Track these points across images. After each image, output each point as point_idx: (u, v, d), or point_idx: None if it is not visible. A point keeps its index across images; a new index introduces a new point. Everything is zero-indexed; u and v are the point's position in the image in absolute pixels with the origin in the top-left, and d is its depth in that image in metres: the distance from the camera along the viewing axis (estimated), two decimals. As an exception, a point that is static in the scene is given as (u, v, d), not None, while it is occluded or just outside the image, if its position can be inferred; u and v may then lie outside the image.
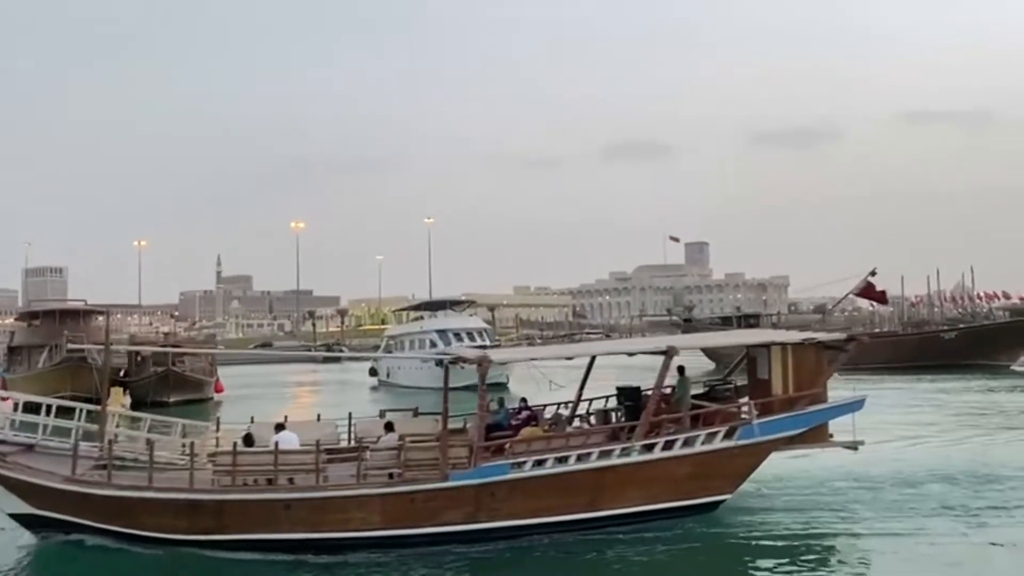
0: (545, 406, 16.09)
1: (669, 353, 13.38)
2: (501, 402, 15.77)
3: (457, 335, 42.75)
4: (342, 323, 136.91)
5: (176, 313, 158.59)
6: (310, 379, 61.71)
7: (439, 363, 39.61)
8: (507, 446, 13.03)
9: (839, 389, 37.39)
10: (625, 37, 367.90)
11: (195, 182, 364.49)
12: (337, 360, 70.26)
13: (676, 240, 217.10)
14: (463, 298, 55.49)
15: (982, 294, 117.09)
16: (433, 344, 42.75)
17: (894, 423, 23.35)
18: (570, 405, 16.11)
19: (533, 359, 17.95)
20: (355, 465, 12.53)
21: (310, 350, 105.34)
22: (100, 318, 38.78)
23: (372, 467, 12.77)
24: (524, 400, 16.08)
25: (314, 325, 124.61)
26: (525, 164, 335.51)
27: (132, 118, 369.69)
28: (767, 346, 14.57)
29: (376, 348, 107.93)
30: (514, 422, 14.68)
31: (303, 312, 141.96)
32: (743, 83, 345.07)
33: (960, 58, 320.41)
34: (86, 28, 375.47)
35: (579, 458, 12.71)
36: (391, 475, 12.66)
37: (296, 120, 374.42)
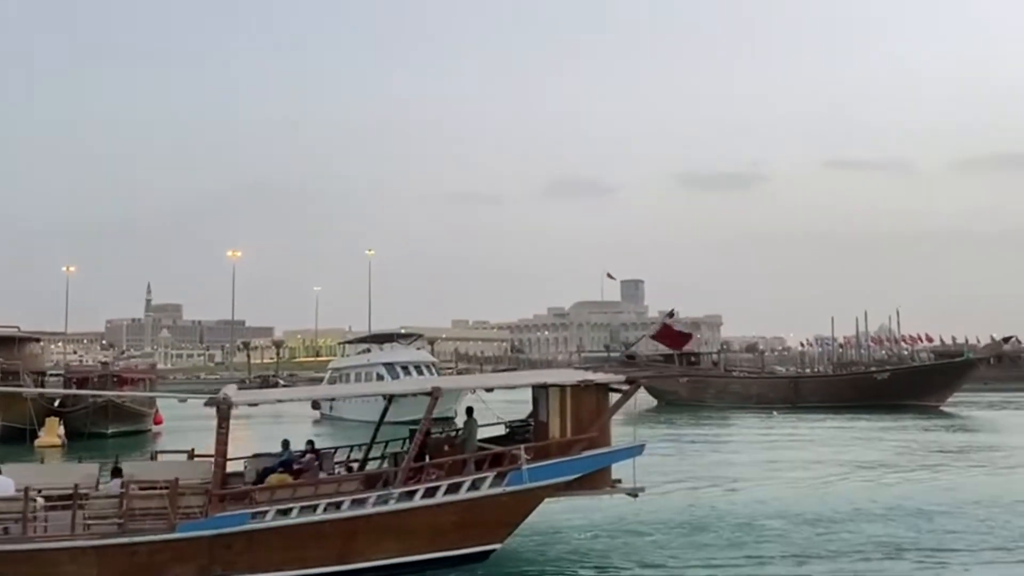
0: (336, 448, 15.40)
1: (434, 394, 12.78)
2: (285, 444, 14.89)
3: (404, 368, 42.51)
4: (278, 354, 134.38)
5: (104, 341, 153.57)
6: (247, 411, 60.22)
7: (386, 396, 39.72)
8: (251, 494, 12.19)
9: (781, 427, 38.34)
10: (568, 76, 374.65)
11: (124, 208, 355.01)
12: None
13: (612, 277, 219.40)
14: (412, 332, 55.14)
15: (907, 336, 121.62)
16: (380, 377, 42.42)
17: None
18: (364, 448, 15.39)
19: (279, 400, 17.82)
20: (81, 513, 11.36)
21: (244, 382, 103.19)
22: (34, 345, 37.39)
23: (94, 516, 11.56)
24: (311, 442, 15.16)
25: (248, 356, 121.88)
26: (465, 199, 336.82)
27: (56, 139, 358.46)
28: (545, 387, 13.88)
29: (313, 380, 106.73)
30: (296, 466, 13.80)
31: (237, 343, 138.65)
32: (678, 127, 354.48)
33: (883, 107, 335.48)
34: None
35: (329, 507, 11.88)
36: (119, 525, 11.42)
37: (232, 148, 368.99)
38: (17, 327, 36.82)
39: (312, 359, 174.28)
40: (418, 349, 47.37)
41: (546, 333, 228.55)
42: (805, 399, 48.99)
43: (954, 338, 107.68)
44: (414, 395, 14.76)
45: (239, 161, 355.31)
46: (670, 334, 20.88)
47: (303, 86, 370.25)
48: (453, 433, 14.49)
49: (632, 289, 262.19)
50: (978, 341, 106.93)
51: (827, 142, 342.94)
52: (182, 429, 40.46)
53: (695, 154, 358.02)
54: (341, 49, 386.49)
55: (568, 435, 13.15)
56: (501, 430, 15.54)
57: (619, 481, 13.43)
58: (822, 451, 28.17)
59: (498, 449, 13.41)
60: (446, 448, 13.44)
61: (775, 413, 44.60)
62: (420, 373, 42.43)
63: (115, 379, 35.92)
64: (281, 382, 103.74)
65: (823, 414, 43.45)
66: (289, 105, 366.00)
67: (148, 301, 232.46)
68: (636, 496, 13.48)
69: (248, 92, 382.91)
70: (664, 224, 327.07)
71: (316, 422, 46.94)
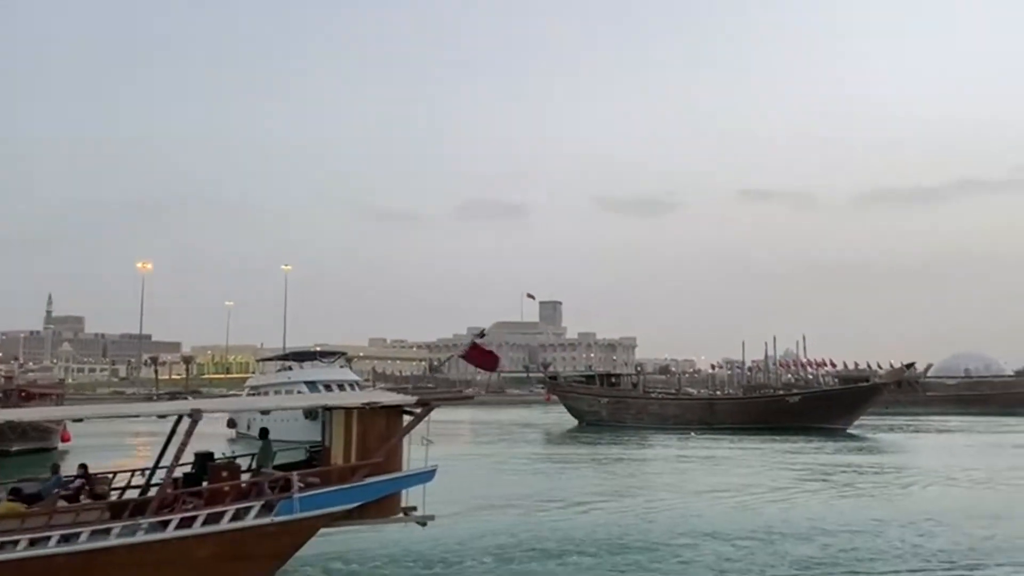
0: (115, 473, 13.97)
1: (194, 416, 11.92)
2: (55, 468, 13.50)
3: (327, 387, 41.74)
4: (187, 370, 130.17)
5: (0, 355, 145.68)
6: (162, 428, 58.24)
7: (308, 414, 39.05)
8: None
9: (697, 448, 39.08)
10: (483, 96, 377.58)
11: (23, 219, 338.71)
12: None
13: (532, 298, 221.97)
14: (333, 350, 54.23)
15: (812, 361, 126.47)
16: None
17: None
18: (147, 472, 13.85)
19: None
20: None
21: (151, 398, 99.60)
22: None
23: None
24: (84, 466, 13.66)
25: (156, 372, 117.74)
26: (381, 216, 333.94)
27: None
28: (329, 410, 13.18)
29: (225, 397, 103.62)
30: (64, 492, 12.54)
31: (145, 358, 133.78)
32: (594, 151, 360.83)
33: (789, 140, 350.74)
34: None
35: (64, 539, 10.68)
36: None
37: (142, 159, 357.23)
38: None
39: (222, 376, 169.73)
40: (340, 367, 46.58)
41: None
42: (720, 421, 50.35)
43: (856, 363, 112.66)
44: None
45: (147, 172, 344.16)
46: (478, 355, 18.85)
47: (220, 100, 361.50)
48: (237, 457, 13.38)
49: (550, 310, 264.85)
50: (879, 366, 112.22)
51: (739, 172, 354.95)
52: (92, 447, 38.87)
53: (612, 179, 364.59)
54: (259, 63, 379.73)
55: (352, 460, 12.33)
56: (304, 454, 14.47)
57: (413, 509, 12.70)
58: (736, 472, 28.87)
59: (279, 475, 12.37)
60: (224, 474, 12.23)
61: (693, 434, 45.69)
62: (343, 391, 41.79)
63: (20, 394, 34.21)
64: (189, 399, 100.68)
65: (737, 436, 44.77)
66: (204, 118, 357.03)
67: (48, 313, 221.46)
68: (425, 525, 12.78)
69: (164, 103, 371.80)
70: (582, 247, 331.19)
71: (232, 441, 45.71)
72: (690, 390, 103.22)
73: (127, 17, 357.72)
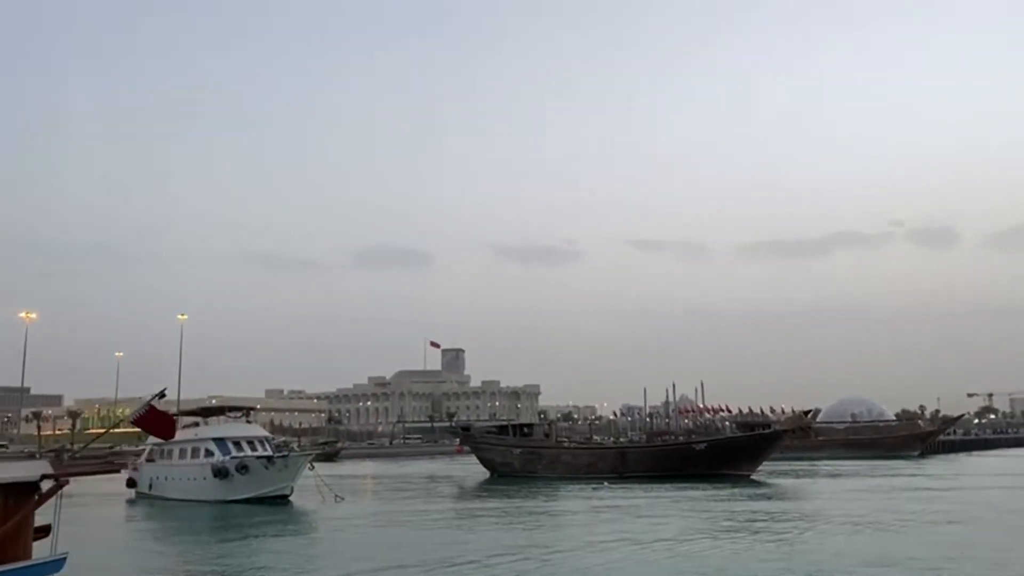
0: None
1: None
2: None
3: (237, 444, 40.49)
4: (73, 426, 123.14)
5: None
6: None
7: (218, 472, 37.75)
8: None
9: (609, 498, 39.51)
10: (382, 143, 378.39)
11: None
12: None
13: (437, 346, 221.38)
14: (237, 403, 52.58)
15: (709, 407, 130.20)
16: (210, 453, 40.15)
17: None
18: None
19: None
20: None
21: (35, 456, 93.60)
22: None
23: None
24: None
25: (39, 427, 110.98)
26: (274, 264, 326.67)
27: None
28: None
29: (115, 455, 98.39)
30: None
31: (26, 412, 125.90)
32: (491, 201, 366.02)
33: (677, 192, 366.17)
34: None
35: None
36: None
37: (20, 201, 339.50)
38: None
39: (110, 430, 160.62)
40: (249, 423, 45.21)
41: (368, 403, 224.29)
42: (631, 469, 51.26)
43: (750, 408, 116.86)
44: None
45: (20, 214, 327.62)
46: (151, 420, 14.94)
47: (108, 144, 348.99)
48: None
49: (453, 358, 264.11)
50: (771, 411, 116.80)
51: (630, 223, 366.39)
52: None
53: (510, 228, 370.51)
54: (155, 109, 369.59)
55: None
56: None
57: None
58: (650, 521, 29.30)
59: None
60: None
61: (606, 484, 46.34)
62: (254, 448, 40.61)
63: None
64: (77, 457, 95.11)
65: (648, 484, 45.68)
66: (90, 165, 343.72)
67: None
68: None
69: (48, 150, 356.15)
70: (483, 295, 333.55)
71: (131, 502, 43.54)
72: (595, 438, 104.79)
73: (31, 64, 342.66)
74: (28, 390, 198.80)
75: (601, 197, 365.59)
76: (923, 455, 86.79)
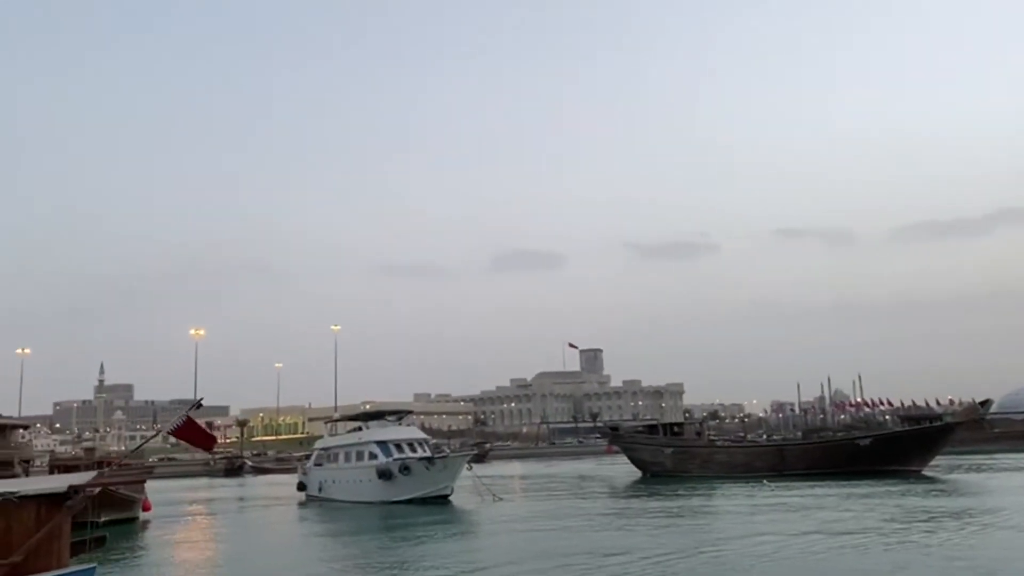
0: None
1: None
2: None
3: (398, 446, 41.90)
4: (242, 434, 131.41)
5: (58, 425, 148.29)
6: (224, 495, 58.85)
7: (382, 474, 39.20)
8: None
9: (772, 496, 38.25)
10: (507, 147, 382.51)
11: (70, 287, 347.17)
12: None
13: (575, 347, 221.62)
14: (400, 408, 54.56)
15: (869, 400, 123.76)
16: (372, 456, 41.78)
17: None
18: None
19: None
20: None
21: (208, 464, 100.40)
22: (22, 432, 36.33)
23: None
24: None
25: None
26: (412, 273, 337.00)
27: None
28: None
29: (281, 460, 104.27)
30: None
31: (201, 423, 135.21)
32: (623, 196, 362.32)
33: (823, 176, 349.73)
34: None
35: None
36: None
37: (181, 223, 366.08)
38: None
39: (272, 438, 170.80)
40: (408, 426, 46.80)
41: (512, 404, 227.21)
42: (790, 467, 49.42)
43: (913, 401, 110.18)
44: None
45: (183, 238, 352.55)
46: (190, 432, 14.30)
47: (260, 173, 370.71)
48: None
49: (592, 359, 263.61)
50: (937, 403, 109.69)
51: (773, 211, 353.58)
52: (172, 516, 39.42)
53: (643, 224, 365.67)
54: (303, 128, 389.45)
55: None
56: None
57: None
58: (817, 519, 28.22)
59: None
60: None
61: (765, 482, 44.92)
62: (414, 450, 41.91)
63: (105, 466, 34.94)
64: (248, 463, 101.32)
65: (810, 481, 43.93)
66: (246, 190, 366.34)
67: (101, 382, 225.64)
68: None
69: (199, 168, 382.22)
70: (618, 293, 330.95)
71: (302, 504, 45.93)
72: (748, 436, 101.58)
73: (167, 93, 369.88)
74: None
75: (737, 186, 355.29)
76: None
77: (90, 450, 42.13)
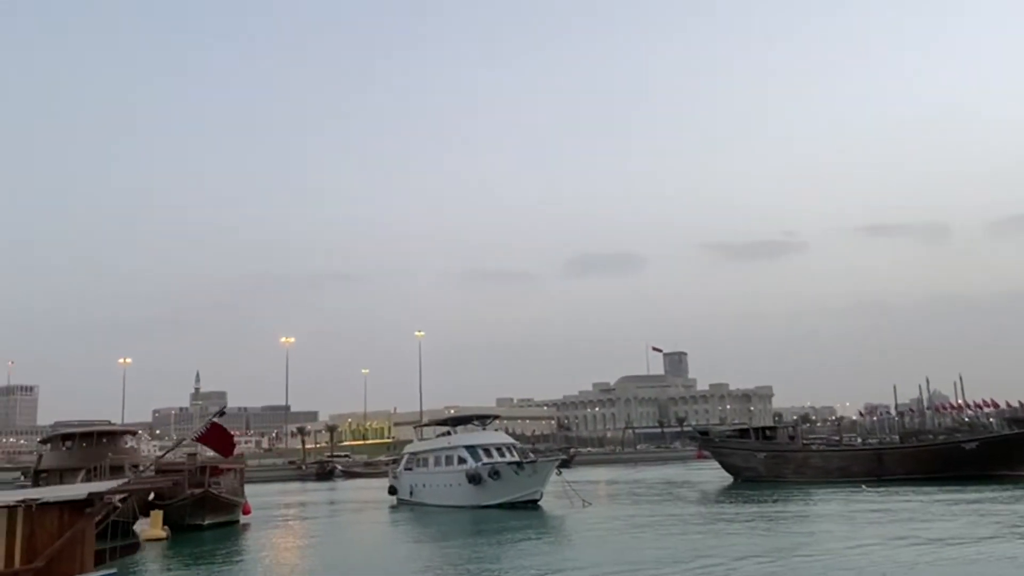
0: None
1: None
2: None
3: (487, 451, 42.13)
4: (331, 439, 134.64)
5: (157, 431, 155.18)
6: (316, 498, 60.28)
7: (472, 479, 39.47)
8: None
9: (873, 502, 36.85)
10: (584, 150, 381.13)
11: (172, 300, 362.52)
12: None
13: (659, 350, 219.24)
14: (486, 413, 54.93)
15: (971, 402, 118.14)
16: (462, 460, 42.08)
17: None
18: None
19: None
20: None
21: (300, 468, 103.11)
22: (130, 438, 38.09)
23: None
24: None
25: (303, 441, 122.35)
26: (492, 277, 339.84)
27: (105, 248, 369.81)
28: None
29: (369, 464, 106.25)
30: None
31: (290, 428, 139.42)
32: (708, 197, 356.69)
33: (915, 170, 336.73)
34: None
35: None
36: None
37: (269, 233, 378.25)
38: (109, 421, 37.40)
39: (360, 443, 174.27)
40: (496, 431, 47.06)
41: (597, 409, 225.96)
42: (889, 471, 47.69)
43: (1020, 403, 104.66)
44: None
45: (271, 250, 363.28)
46: (214, 437, 17.05)
47: (336, 183, 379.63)
48: None
49: (676, 362, 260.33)
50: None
51: (856, 207, 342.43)
52: (269, 519, 40.60)
53: (723, 224, 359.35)
54: (383, 132, 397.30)
55: (16, 566, 11.16)
56: None
57: None
58: (922, 526, 27.14)
59: None
60: None
61: (864, 487, 43.45)
62: (502, 455, 42.08)
63: (213, 471, 36.31)
64: (339, 467, 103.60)
65: (911, 487, 42.29)
66: (329, 192, 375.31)
67: (197, 390, 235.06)
68: None
69: (283, 182, 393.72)
70: (700, 295, 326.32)
71: (393, 508, 46.62)
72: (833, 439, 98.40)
73: (256, 108, 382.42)
74: (289, 408, 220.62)
75: (823, 182, 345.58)
76: None
77: (192, 455, 43.81)
